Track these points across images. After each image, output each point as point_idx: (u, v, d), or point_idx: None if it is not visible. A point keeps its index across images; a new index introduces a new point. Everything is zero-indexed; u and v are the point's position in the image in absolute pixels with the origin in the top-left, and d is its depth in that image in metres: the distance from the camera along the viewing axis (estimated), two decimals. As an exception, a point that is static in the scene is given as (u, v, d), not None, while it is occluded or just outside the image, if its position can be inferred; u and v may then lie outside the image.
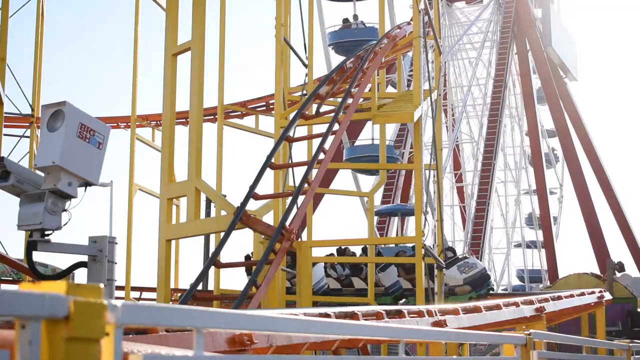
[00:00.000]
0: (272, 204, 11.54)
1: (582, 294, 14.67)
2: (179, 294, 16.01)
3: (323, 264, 16.56)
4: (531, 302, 10.79)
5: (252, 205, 10.27)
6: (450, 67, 38.01)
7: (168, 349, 2.79)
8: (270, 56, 16.91)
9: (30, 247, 5.95)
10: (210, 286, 16.15)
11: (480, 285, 17.62)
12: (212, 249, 16.15)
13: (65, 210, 5.93)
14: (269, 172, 10.87)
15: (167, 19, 10.13)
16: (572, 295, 13.61)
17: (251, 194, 9.57)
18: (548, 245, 35.11)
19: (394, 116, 13.09)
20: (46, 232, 5.89)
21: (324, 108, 12.97)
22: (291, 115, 12.35)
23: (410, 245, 17.06)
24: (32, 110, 14.85)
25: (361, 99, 13.17)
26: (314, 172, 10.34)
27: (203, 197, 11.72)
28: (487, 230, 31.00)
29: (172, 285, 13.21)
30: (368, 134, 30.63)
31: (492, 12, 38.29)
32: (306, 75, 13.56)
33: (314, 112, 12.50)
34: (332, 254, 16.34)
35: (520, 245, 40.29)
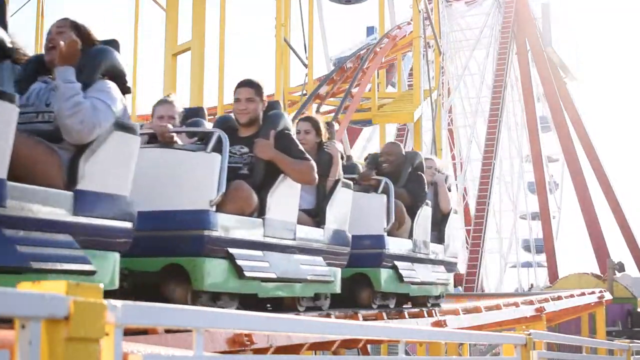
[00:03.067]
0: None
1: (582, 294, 14.65)
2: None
3: None
4: (531, 302, 10.79)
5: (253, 205, 10.21)
6: (451, 67, 38.00)
7: (168, 349, 2.79)
8: (270, 56, 16.93)
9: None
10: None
11: None
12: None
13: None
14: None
15: (167, 19, 10.14)
16: (572, 295, 13.59)
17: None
18: (548, 245, 35.11)
19: (394, 116, 13.10)
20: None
21: (324, 108, 12.98)
22: (291, 115, 12.35)
23: None
24: (32, 110, 14.84)
25: (361, 99, 13.18)
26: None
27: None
28: (487, 230, 30.97)
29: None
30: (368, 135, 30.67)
31: (492, 12, 38.29)
32: (306, 75, 13.56)
33: (314, 112, 12.51)
34: None
35: (515, 267, 40.35)
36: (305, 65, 13.56)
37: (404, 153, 6.37)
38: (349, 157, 6.15)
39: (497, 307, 9.11)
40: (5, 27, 3.29)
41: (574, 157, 36.30)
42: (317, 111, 12.65)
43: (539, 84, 38.21)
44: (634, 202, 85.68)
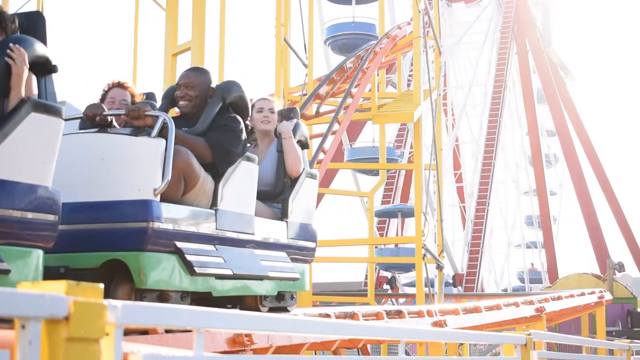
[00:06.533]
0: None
1: (582, 294, 14.67)
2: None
3: None
4: (531, 302, 10.80)
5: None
6: (450, 66, 38.00)
7: (168, 349, 2.79)
8: (270, 56, 16.93)
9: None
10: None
11: None
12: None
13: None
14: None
15: (167, 19, 10.14)
16: (572, 295, 13.61)
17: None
18: (548, 245, 35.12)
19: (394, 116, 13.10)
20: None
21: (324, 108, 12.98)
22: (291, 115, 12.33)
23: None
24: (32, 110, 14.82)
25: (361, 99, 13.18)
26: (314, 172, 10.31)
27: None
28: (487, 231, 30.98)
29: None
30: (368, 135, 30.73)
31: (492, 12, 38.29)
32: (306, 75, 13.55)
33: (314, 112, 12.52)
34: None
35: (520, 246, 40.32)
36: (305, 65, 13.55)
37: (211, 84, 4.42)
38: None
39: (497, 307, 9.12)
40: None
41: (575, 158, 36.30)
42: (317, 111, 12.64)
43: (539, 84, 38.21)
44: (634, 202, 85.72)
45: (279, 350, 4.35)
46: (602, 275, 25.56)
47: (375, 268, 24.63)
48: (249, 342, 3.98)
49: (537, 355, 4.89)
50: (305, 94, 13.27)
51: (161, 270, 3.59)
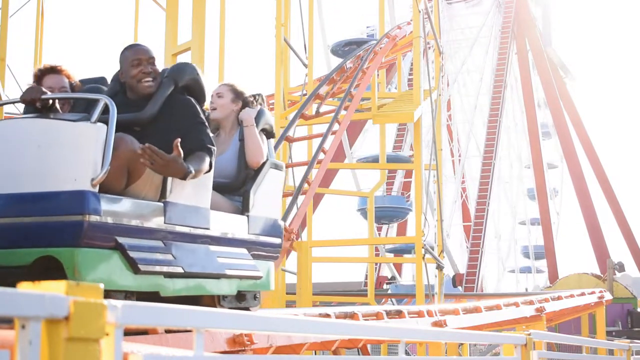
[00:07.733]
0: (272, 204, 11.48)
1: (582, 294, 14.66)
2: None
3: None
4: (531, 302, 10.79)
5: (252, 205, 10.18)
6: (450, 67, 37.95)
7: (168, 349, 2.79)
8: (270, 56, 16.92)
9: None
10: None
11: None
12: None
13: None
14: (269, 172, 10.82)
15: (167, 19, 10.13)
16: (572, 295, 13.61)
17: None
18: (548, 245, 35.11)
19: (394, 116, 13.09)
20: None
21: (324, 108, 12.98)
22: (291, 115, 12.35)
23: None
24: (32, 110, 14.79)
25: (361, 99, 13.18)
26: (314, 172, 10.36)
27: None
28: (487, 232, 30.94)
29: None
30: (368, 135, 30.70)
31: (492, 12, 38.29)
32: (306, 75, 13.55)
33: (314, 112, 12.52)
34: None
35: (514, 271, 40.53)
36: (305, 65, 13.54)
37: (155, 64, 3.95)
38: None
39: (497, 307, 9.12)
40: None
41: (575, 158, 36.31)
42: (317, 111, 12.64)
43: (539, 85, 38.22)
44: (634, 202, 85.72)
45: (279, 350, 4.35)
46: (602, 275, 25.56)
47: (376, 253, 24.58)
48: (249, 342, 3.99)
49: (537, 355, 4.89)
50: (305, 94, 13.27)
51: (99, 268, 3.24)
